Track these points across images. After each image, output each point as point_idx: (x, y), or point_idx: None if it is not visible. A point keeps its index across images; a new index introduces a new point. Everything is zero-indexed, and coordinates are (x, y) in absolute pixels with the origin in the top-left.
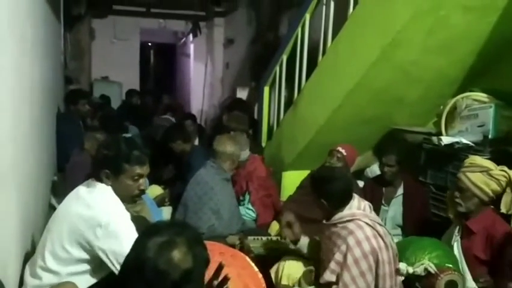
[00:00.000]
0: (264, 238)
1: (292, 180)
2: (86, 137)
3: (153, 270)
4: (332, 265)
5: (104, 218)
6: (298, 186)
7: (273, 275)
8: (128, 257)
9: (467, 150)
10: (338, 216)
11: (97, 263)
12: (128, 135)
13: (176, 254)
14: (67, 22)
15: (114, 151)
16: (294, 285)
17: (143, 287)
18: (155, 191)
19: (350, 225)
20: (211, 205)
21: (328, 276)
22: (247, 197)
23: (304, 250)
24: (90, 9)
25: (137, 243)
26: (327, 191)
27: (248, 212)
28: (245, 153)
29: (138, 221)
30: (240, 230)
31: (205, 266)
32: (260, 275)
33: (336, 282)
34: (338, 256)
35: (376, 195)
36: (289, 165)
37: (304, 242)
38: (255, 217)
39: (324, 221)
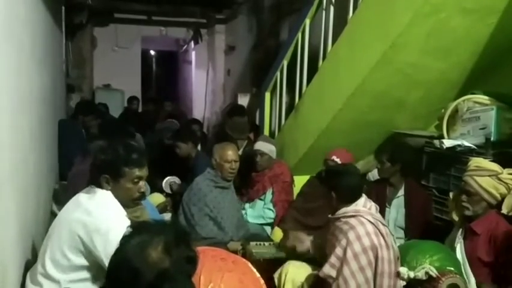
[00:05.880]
0: (267, 243)
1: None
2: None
3: (128, 269)
4: (332, 259)
5: (103, 224)
6: (299, 194)
7: (276, 280)
8: (110, 260)
9: (469, 153)
10: (342, 211)
11: (96, 271)
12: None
13: (152, 253)
14: (68, 31)
15: (112, 155)
16: None
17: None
18: (158, 198)
19: (352, 221)
20: (207, 211)
21: (327, 270)
22: (268, 196)
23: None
24: (91, 18)
25: (118, 245)
26: (338, 184)
27: (266, 212)
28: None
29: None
30: (244, 237)
31: (187, 266)
32: (262, 281)
33: (337, 278)
34: (338, 250)
35: (380, 197)
36: (292, 170)
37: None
38: (273, 217)
39: (329, 216)
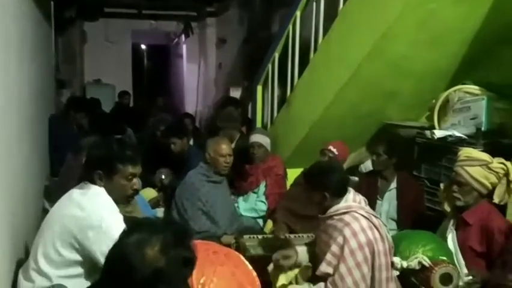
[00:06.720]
0: (260, 236)
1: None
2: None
3: (124, 265)
4: (328, 257)
5: (96, 219)
6: (292, 184)
7: (270, 273)
8: (108, 254)
9: (460, 143)
10: (333, 208)
11: (88, 267)
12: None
13: (149, 252)
14: (58, 26)
15: (106, 151)
16: (291, 282)
17: (116, 283)
18: (150, 193)
19: (346, 217)
20: (199, 206)
21: (324, 268)
22: (262, 188)
23: (306, 259)
24: (81, 12)
25: (118, 239)
26: (329, 182)
27: (258, 204)
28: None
29: (129, 221)
30: (237, 230)
31: (183, 267)
32: (254, 273)
33: (333, 274)
34: (335, 248)
35: (371, 189)
36: (285, 163)
37: (302, 252)
38: (265, 209)
39: (319, 216)
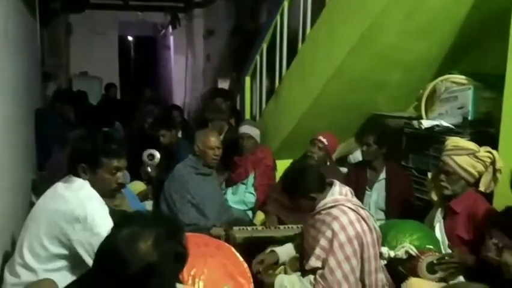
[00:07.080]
0: (250, 228)
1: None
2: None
3: (117, 259)
4: (317, 251)
5: (82, 212)
6: (281, 177)
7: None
8: (99, 247)
9: (447, 132)
10: (321, 203)
11: (75, 260)
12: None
13: (141, 246)
14: (43, 18)
15: (90, 145)
16: (280, 273)
17: (107, 277)
18: (138, 186)
19: (334, 211)
20: (188, 198)
21: (313, 262)
22: (251, 180)
23: (287, 257)
24: (67, 4)
25: (109, 232)
26: (308, 184)
27: (247, 196)
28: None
29: (118, 215)
30: (226, 222)
31: (176, 261)
32: (245, 265)
33: (322, 268)
34: (323, 242)
35: (360, 180)
36: (274, 154)
37: (283, 253)
38: (253, 201)
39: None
